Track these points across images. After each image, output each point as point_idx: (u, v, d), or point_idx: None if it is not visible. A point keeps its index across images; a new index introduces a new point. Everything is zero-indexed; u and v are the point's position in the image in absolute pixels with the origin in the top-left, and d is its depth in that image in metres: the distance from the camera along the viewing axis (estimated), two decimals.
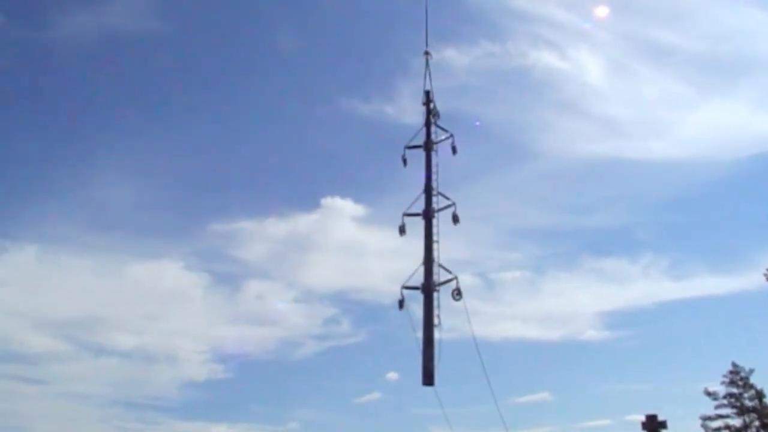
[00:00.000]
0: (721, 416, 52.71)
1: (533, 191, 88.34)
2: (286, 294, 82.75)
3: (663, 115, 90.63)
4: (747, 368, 52.62)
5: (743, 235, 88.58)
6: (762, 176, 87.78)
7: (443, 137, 26.63)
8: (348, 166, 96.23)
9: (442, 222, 25.66)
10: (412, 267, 25.09)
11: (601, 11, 74.43)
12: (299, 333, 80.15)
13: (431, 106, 27.08)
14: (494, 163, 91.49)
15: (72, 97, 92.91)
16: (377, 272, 70.18)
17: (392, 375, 71.25)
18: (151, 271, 79.69)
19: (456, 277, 24.62)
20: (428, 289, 24.68)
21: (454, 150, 26.45)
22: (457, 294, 24.39)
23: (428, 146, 26.51)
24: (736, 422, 52.22)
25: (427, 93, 27.25)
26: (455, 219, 25.35)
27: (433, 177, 26.21)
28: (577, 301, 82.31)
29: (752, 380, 52.47)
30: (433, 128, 26.90)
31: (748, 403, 52.26)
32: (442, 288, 24.84)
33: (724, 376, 53.09)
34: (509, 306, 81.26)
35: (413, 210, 26.01)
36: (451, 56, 75.27)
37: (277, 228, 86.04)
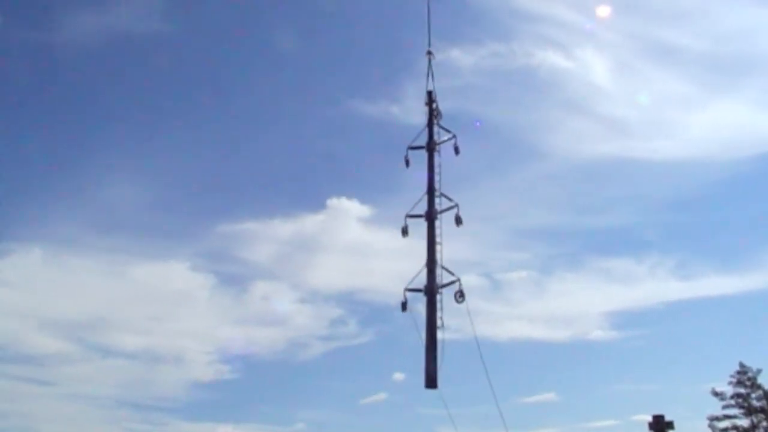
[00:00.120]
0: (728, 416, 52.81)
1: (539, 191, 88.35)
2: (293, 295, 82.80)
3: (668, 115, 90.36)
4: (754, 368, 52.73)
5: (750, 234, 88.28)
6: None
7: (445, 138, 26.43)
8: (354, 166, 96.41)
9: (446, 223, 25.50)
10: (418, 268, 24.89)
11: (603, 11, 73.93)
12: (306, 334, 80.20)
13: (434, 106, 26.87)
14: (500, 163, 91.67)
15: (77, 99, 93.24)
16: (383, 273, 70.11)
17: (398, 375, 71.19)
18: (158, 272, 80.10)
19: (459, 279, 24.36)
20: (431, 291, 24.46)
21: (456, 150, 26.18)
22: (460, 296, 24.13)
23: (431, 147, 26.23)
24: (744, 423, 52.19)
25: (430, 93, 26.93)
26: (458, 221, 25.07)
27: (436, 178, 25.96)
28: (583, 301, 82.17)
29: (760, 380, 52.57)
30: (435, 129, 26.66)
31: (756, 404, 52.09)
32: (445, 290, 24.66)
33: (732, 376, 53.18)
34: (515, 306, 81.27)
35: (416, 211, 25.79)
36: (457, 56, 75.54)
37: (283, 229, 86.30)
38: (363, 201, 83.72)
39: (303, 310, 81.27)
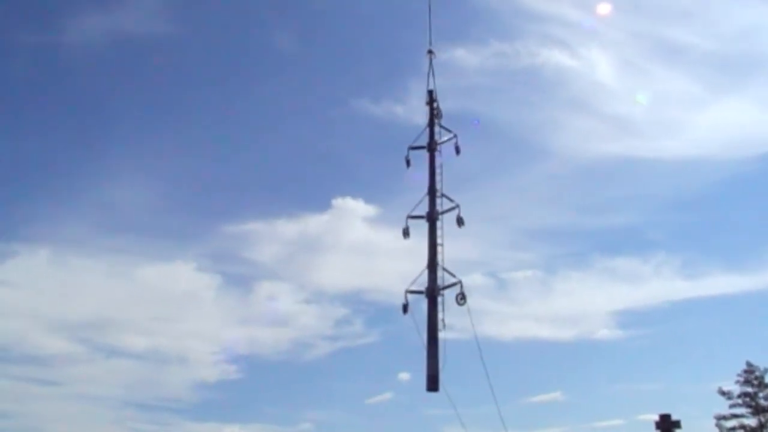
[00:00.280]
0: (735, 416, 52.44)
1: (544, 191, 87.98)
2: (298, 295, 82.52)
3: (675, 114, 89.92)
4: (762, 367, 52.35)
5: (756, 233, 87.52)
6: None
7: (446, 138, 26.20)
8: (359, 166, 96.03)
9: (449, 224, 25.26)
10: (423, 269, 24.75)
11: (603, 8, 73.47)
12: (311, 334, 79.96)
13: (435, 105, 26.65)
14: (505, 162, 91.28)
15: (82, 100, 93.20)
16: (389, 273, 69.81)
17: (404, 375, 70.81)
18: (163, 272, 79.96)
19: (460, 281, 24.15)
20: (432, 293, 24.26)
21: (457, 150, 25.97)
22: (461, 298, 23.90)
23: (431, 147, 26.06)
24: (751, 422, 51.81)
25: (431, 92, 26.76)
26: (460, 222, 24.83)
27: (437, 178, 25.76)
28: (589, 301, 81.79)
29: (767, 379, 51.99)
30: (437, 128, 26.47)
31: (763, 403, 51.80)
32: (447, 291, 24.45)
33: (739, 375, 52.82)
34: (521, 306, 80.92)
35: (418, 212, 25.61)
36: (461, 56, 75.27)
37: (288, 229, 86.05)
38: (368, 201, 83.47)
39: (308, 310, 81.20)
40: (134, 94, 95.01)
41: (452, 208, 25.09)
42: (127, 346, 76.63)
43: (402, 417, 73.49)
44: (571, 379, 78.80)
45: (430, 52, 27.09)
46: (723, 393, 52.93)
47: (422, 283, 24.75)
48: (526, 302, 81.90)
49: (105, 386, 72.46)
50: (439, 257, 24.78)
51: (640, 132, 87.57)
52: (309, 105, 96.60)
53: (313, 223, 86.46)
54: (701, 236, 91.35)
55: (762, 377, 52.06)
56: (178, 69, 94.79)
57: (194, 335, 78.32)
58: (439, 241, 24.95)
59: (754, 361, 52.61)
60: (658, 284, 79.21)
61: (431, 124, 26.40)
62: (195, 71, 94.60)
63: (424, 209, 25.54)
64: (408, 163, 26.42)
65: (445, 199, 25.45)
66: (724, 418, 52.46)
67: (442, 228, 25.15)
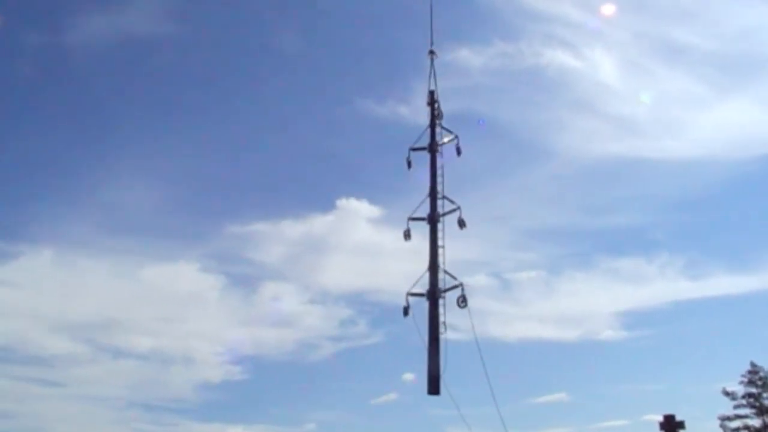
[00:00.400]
0: (739, 416, 52.25)
1: (548, 191, 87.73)
2: (302, 295, 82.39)
3: (678, 115, 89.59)
4: (766, 368, 52.12)
5: (760, 233, 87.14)
6: None
7: (446, 139, 26.02)
8: (363, 167, 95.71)
9: (452, 225, 25.08)
10: (424, 270, 24.66)
11: (607, 9, 73.20)
12: (316, 334, 79.73)
13: (436, 106, 26.50)
14: (509, 162, 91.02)
15: (87, 100, 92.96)
16: (393, 273, 69.58)
17: (409, 376, 70.61)
18: (168, 273, 79.57)
19: (461, 284, 24.01)
20: (433, 296, 24.12)
21: (458, 151, 25.79)
22: (462, 301, 23.74)
23: (432, 148, 25.90)
24: (756, 422, 51.60)
25: (432, 93, 26.62)
26: (461, 224, 24.65)
27: (439, 180, 25.60)
28: (593, 301, 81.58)
29: None
30: (438, 129, 26.33)
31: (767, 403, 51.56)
32: (448, 294, 24.31)
33: (743, 376, 52.65)
34: (525, 306, 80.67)
35: (419, 214, 25.45)
36: (465, 56, 74.97)
37: (292, 229, 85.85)
38: (372, 201, 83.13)
39: (313, 311, 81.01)
40: (137, 94, 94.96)
41: (453, 210, 24.96)
42: (131, 347, 76.71)
43: (406, 417, 73.35)
44: (576, 380, 78.90)
45: (431, 52, 26.98)
46: (727, 393, 52.83)
47: (423, 285, 24.63)
48: (530, 303, 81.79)
49: (109, 387, 72.49)
50: (441, 259, 24.65)
51: (644, 132, 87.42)
52: (313, 105, 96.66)
53: (318, 223, 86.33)
54: (705, 236, 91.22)
55: (766, 378, 51.86)
56: (182, 69, 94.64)
57: (198, 336, 78.30)
58: (440, 243, 24.81)
59: (758, 362, 52.53)
60: (661, 285, 79.07)
61: (432, 125, 26.26)
62: (199, 71, 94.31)
63: (425, 211, 25.39)
64: (409, 164, 26.28)
65: (446, 201, 25.31)
66: (728, 418, 52.32)
67: (443, 230, 25.03)
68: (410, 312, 24.53)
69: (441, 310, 24.20)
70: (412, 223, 25.53)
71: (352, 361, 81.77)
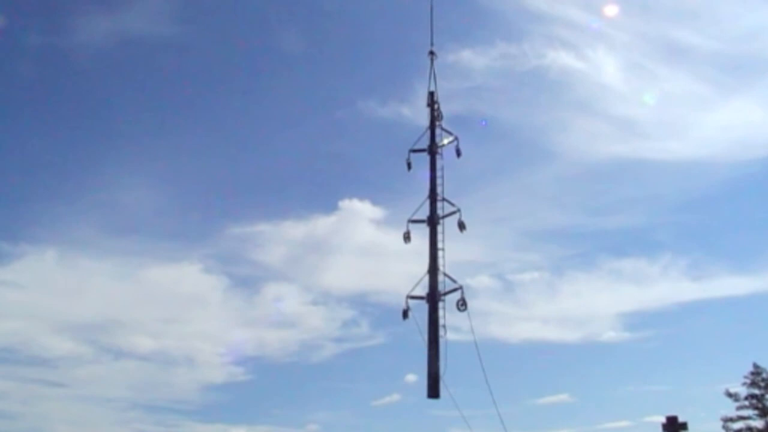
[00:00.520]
0: (742, 418, 52.03)
1: (551, 192, 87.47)
2: (305, 296, 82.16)
3: (681, 115, 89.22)
4: None
5: (763, 234, 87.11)
6: None
7: (446, 141, 25.85)
8: (366, 168, 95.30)
9: (452, 227, 24.91)
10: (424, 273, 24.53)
11: (610, 10, 73.01)
12: (318, 335, 79.66)
13: (436, 107, 26.34)
14: (512, 163, 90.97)
15: (89, 101, 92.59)
16: (396, 274, 69.48)
17: (411, 377, 70.54)
18: (170, 274, 79.31)
19: (461, 287, 23.85)
20: (433, 299, 24.00)
21: (458, 153, 25.64)
22: (462, 305, 23.60)
23: (432, 150, 25.74)
24: (758, 424, 51.42)
25: (431, 94, 26.46)
26: (461, 226, 24.50)
27: (438, 181, 25.44)
28: (595, 302, 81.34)
29: None
30: (438, 131, 26.17)
31: None
32: (448, 297, 24.18)
33: (746, 377, 52.48)
34: (528, 307, 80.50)
35: (419, 216, 25.30)
36: (467, 57, 74.71)
37: (295, 230, 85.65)
38: (375, 202, 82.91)
39: (315, 312, 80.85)
40: (139, 95, 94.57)
41: (453, 213, 24.81)
42: (133, 348, 76.55)
43: (408, 419, 73.37)
44: (578, 381, 78.52)
45: (431, 53, 26.84)
46: (730, 395, 52.63)
47: (424, 288, 24.49)
48: (532, 304, 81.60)
49: (111, 387, 72.43)
50: (440, 262, 24.51)
51: (647, 133, 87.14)
52: (316, 106, 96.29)
53: (320, 224, 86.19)
54: (708, 237, 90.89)
55: None
56: (185, 70, 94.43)
57: (201, 336, 78.22)
58: (440, 245, 24.67)
59: (761, 363, 52.38)
60: (664, 286, 78.80)
61: (432, 127, 26.11)
62: (201, 72, 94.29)
63: (425, 213, 25.24)
64: (409, 166, 26.15)
65: (446, 204, 25.16)
66: (731, 420, 52.12)
67: (443, 232, 24.89)
68: (410, 315, 24.46)
69: (441, 313, 24.09)
70: (412, 225, 25.40)
71: (354, 362, 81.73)
